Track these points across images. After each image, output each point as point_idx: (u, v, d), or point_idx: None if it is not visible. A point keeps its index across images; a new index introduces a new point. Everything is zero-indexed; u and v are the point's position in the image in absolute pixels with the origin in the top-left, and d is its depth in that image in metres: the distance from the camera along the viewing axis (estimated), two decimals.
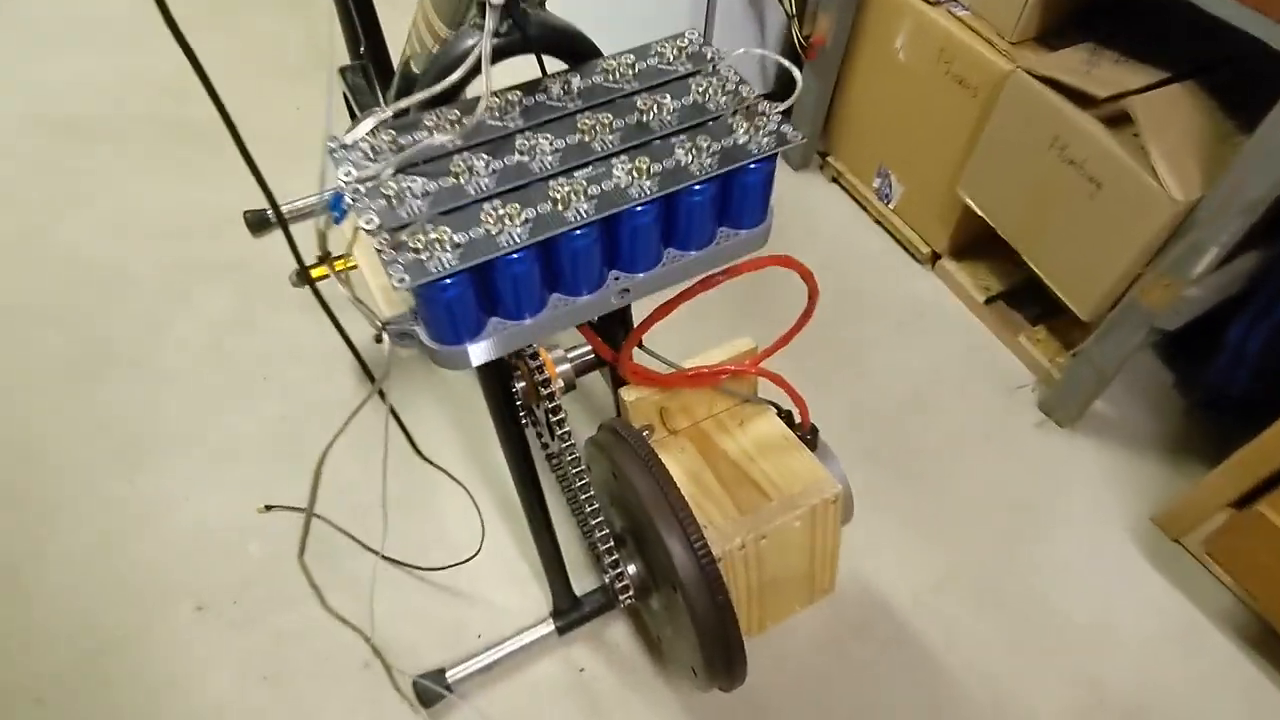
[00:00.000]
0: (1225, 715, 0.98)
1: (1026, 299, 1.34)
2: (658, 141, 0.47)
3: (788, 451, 0.80)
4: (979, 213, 1.22)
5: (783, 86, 1.59)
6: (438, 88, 0.47)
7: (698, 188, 0.46)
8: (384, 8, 1.04)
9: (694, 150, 0.46)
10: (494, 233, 0.43)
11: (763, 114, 0.48)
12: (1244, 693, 0.99)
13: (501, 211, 0.43)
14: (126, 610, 1.01)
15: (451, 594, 1.05)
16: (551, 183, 0.45)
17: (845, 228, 1.51)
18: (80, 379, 1.23)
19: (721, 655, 0.71)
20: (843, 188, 1.54)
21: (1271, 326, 1.05)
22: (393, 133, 0.46)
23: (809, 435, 0.83)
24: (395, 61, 1.06)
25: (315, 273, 1.10)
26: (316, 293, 0.65)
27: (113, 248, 1.40)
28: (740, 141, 0.47)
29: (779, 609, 0.82)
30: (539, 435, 0.94)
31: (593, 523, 0.77)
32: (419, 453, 0.83)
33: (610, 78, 0.51)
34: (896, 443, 1.21)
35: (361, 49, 1.01)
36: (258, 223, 1.43)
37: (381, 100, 1.02)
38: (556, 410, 0.75)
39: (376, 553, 1.05)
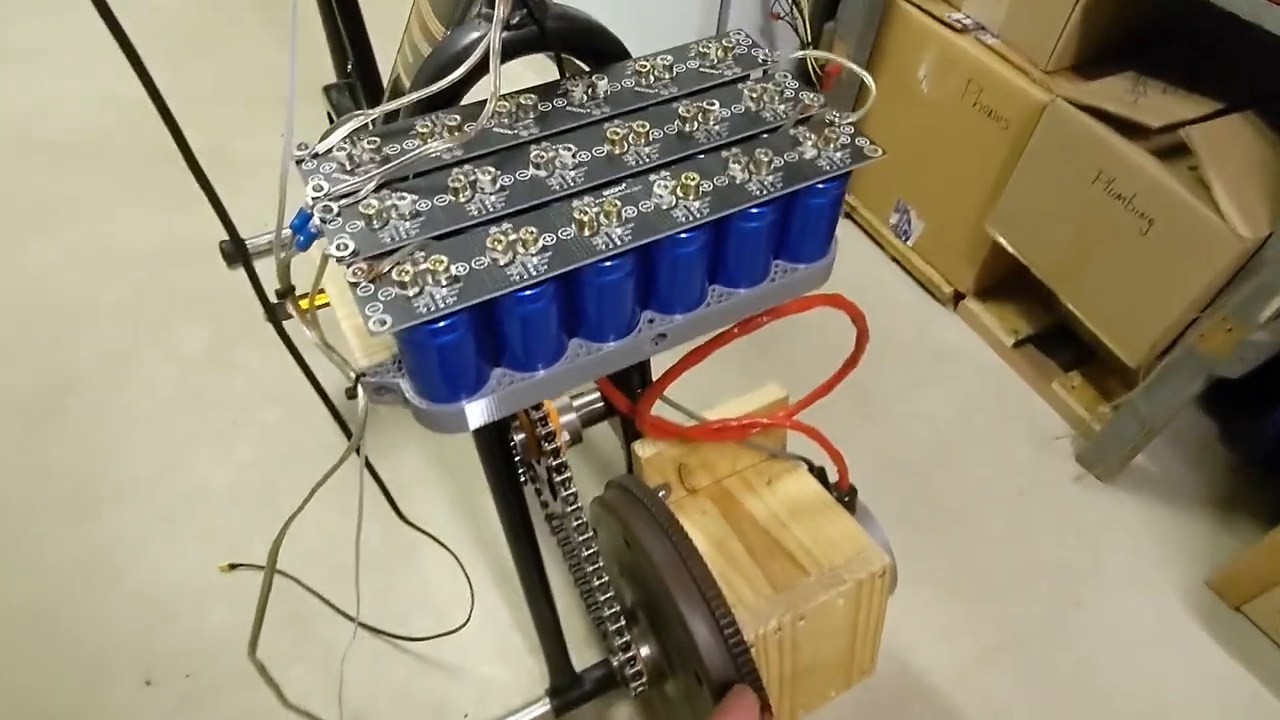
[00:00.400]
0: None
1: (1058, 343, 1.26)
2: (705, 155, 0.38)
3: (825, 515, 0.71)
4: (1011, 251, 1.14)
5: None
6: (434, 87, 0.38)
7: (756, 210, 0.37)
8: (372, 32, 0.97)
9: (752, 165, 0.37)
10: (503, 263, 0.33)
11: (832, 124, 0.39)
12: None
13: (513, 237, 0.34)
14: (66, 681, 0.90)
15: (435, 667, 0.93)
16: (576, 202, 0.36)
17: (861, 266, 1.43)
18: (34, 417, 1.12)
19: None
20: (856, 223, 1.47)
21: None
22: (376, 140, 0.37)
23: (847, 496, 0.73)
24: (385, 80, 0.98)
25: (291, 308, 1.00)
26: (281, 331, 0.56)
27: (82, 277, 1.30)
28: (808, 156, 0.38)
29: (813, 696, 0.72)
30: (538, 493, 0.84)
31: (601, 597, 0.67)
32: (401, 515, 0.73)
33: (644, 81, 0.42)
34: (926, 498, 1.11)
35: (349, 66, 0.93)
36: (233, 253, 1.34)
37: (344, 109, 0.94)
38: (561, 468, 0.65)
39: (352, 619, 0.94)
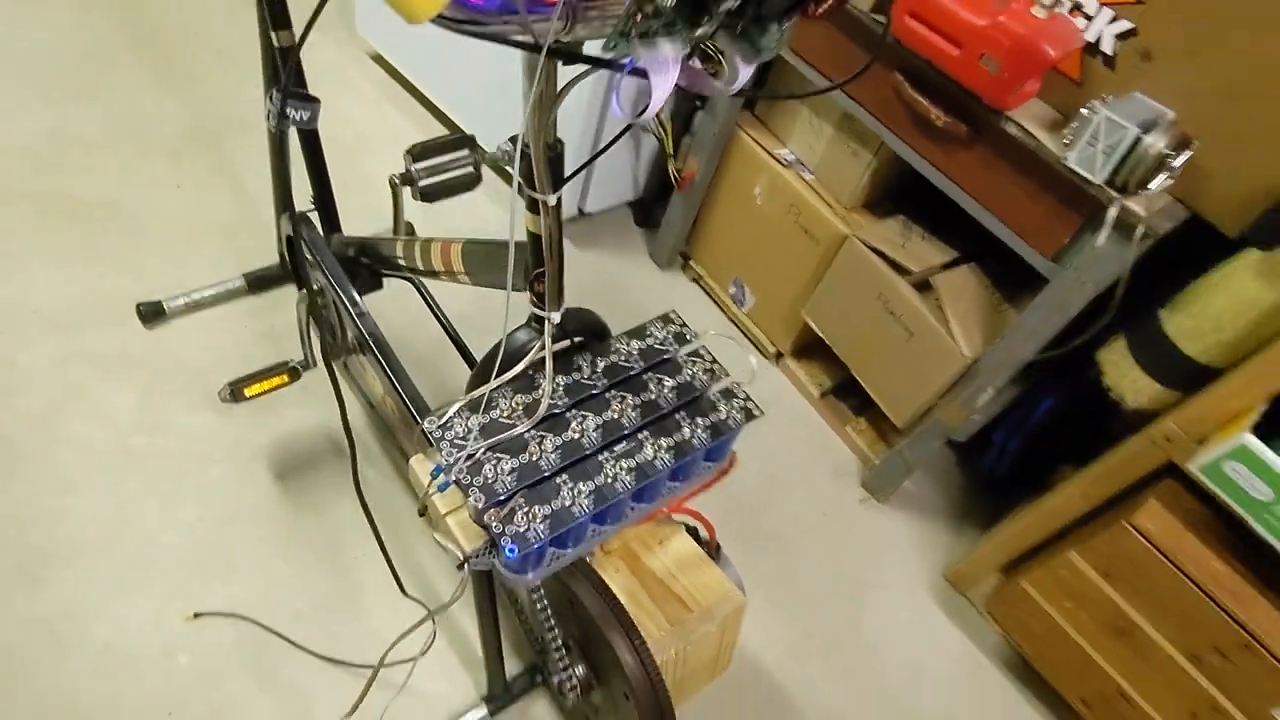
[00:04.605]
0: None
1: (849, 391, 1.67)
2: (667, 418, 0.67)
3: (700, 568, 1.02)
4: (819, 333, 1.51)
5: (651, 194, 1.82)
6: (507, 376, 0.64)
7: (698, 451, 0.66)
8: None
9: (693, 426, 0.66)
10: (569, 504, 0.60)
11: (733, 394, 0.69)
12: (1008, 712, 1.35)
13: (572, 486, 0.61)
14: None
15: (385, 688, 1.15)
16: (602, 458, 0.63)
17: (706, 323, 1.77)
18: None
19: None
20: (702, 289, 1.80)
21: (1025, 434, 1.42)
22: (477, 417, 0.62)
23: (714, 551, 1.05)
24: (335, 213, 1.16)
25: (249, 391, 1.17)
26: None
27: None
28: (722, 415, 0.68)
29: (692, 690, 1.04)
30: None
31: (554, 646, 0.95)
32: (403, 590, 0.96)
33: (622, 358, 0.69)
34: (754, 524, 1.47)
35: (311, 198, 1.10)
36: (152, 314, 1.44)
37: (327, 244, 1.12)
38: None
39: (316, 654, 1.14)
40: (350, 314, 0.99)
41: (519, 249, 0.65)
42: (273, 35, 0.97)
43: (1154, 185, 0.96)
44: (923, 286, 1.32)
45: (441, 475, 0.60)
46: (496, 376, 0.64)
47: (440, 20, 0.39)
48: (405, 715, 1.13)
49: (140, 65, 1.82)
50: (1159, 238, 1.00)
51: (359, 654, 1.17)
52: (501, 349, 0.67)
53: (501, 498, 0.59)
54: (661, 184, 1.77)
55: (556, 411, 0.65)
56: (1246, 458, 0.93)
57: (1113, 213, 0.99)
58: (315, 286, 1.13)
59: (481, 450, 0.61)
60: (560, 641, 0.97)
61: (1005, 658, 1.40)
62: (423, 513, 0.62)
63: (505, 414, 0.63)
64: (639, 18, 0.39)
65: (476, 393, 0.63)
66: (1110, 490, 1.18)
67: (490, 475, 0.60)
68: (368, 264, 1.10)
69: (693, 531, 1.08)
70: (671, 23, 0.40)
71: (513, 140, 0.59)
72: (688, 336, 0.73)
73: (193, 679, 1.11)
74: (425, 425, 0.61)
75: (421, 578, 1.26)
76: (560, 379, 0.67)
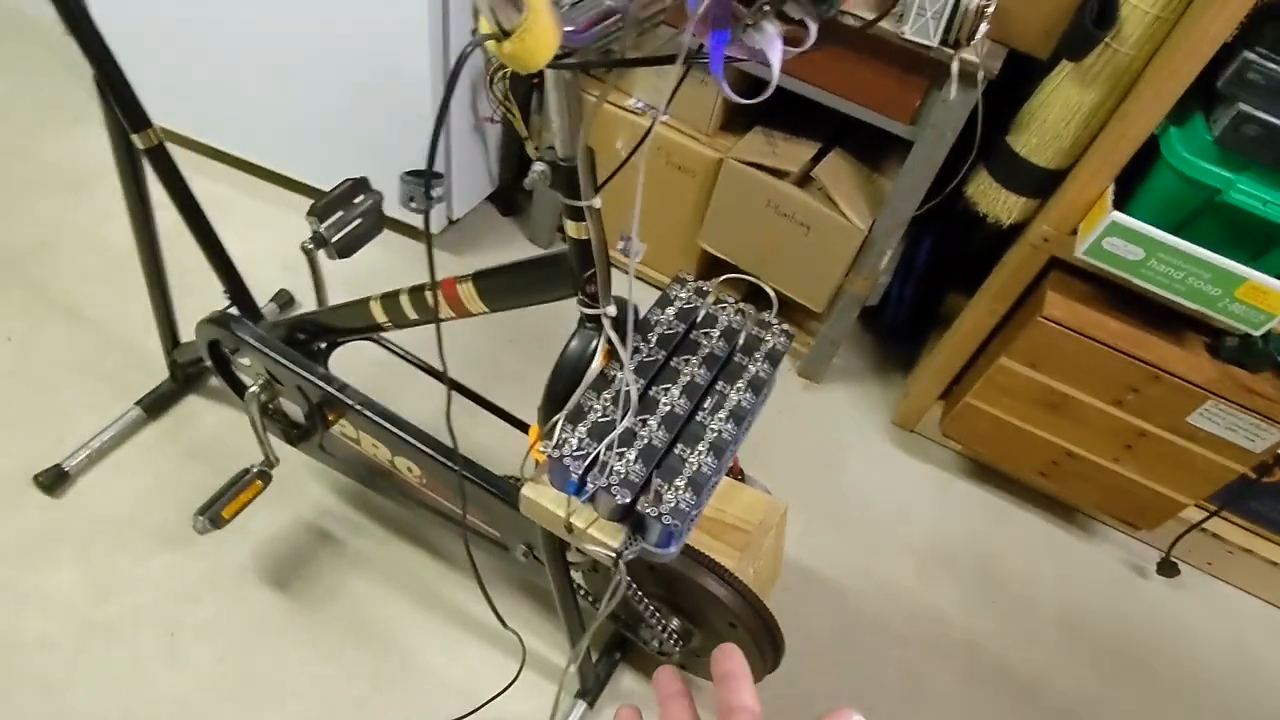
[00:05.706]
0: (979, 526, 1.54)
1: (756, 298, 1.78)
2: (730, 363, 0.73)
3: (737, 493, 1.10)
4: (720, 256, 1.61)
5: (508, 182, 1.82)
6: (579, 393, 0.67)
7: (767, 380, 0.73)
8: None
9: (753, 361, 0.73)
10: (696, 467, 0.65)
11: (768, 324, 0.76)
12: (984, 509, 1.56)
13: (691, 451, 0.66)
14: None
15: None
16: (700, 418, 0.68)
17: None
18: None
19: (771, 648, 1.00)
20: None
21: (915, 281, 1.60)
22: (582, 424, 0.66)
23: (740, 476, 1.13)
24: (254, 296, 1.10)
25: (226, 512, 1.12)
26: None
27: None
28: (769, 345, 0.75)
29: (764, 595, 1.13)
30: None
31: (647, 613, 1.00)
32: (503, 623, 0.97)
33: (665, 327, 0.74)
34: None
35: (224, 292, 1.04)
36: (54, 481, 1.31)
37: (259, 337, 1.06)
38: None
39: None
40: (337, 396, 0.96)
41: (565, 258, 0.67)
42: (134, 139, 0.90)
43: (980, 34, 1.11)
44: (803, 182, 1.44)
45: (575, 492, 0.63)
46: (565, 394, 0.67)
47: (553, 63, 0.41)
48: None
49: None
50: (993, 78, 1.16)
51: (441, 710, 1.16)
52: (564, 358, 0.70)
53: (639, 485, 0.64)
54: (517, 168, 1.78)
55: (642, 393, 0.69)
56: (1119, 230, 1.12)
57: (956, 67, 1.13)
58: (260, 382, 1.07)
59: (603, 452, 0.64)
60: (651, 607, 1.02)
61: (963, 468, 1.61)
62: (570, 528, 0.65)
63: (601, 414, 0.67)
64: (766, 8, 0.43)
65: (571, 404, 0.66)
66: (1011, 299, 1.37)
67: (622, 470, 0.64)
68: (305, 340, 1.06)
69: None
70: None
71: (542, 159, 0.61)
72: (705, 289, 0.78)
73: None
74: (551, 453, 0.64)
75: (470, 614, 1.26)
76: (631, 365, 0.71)
